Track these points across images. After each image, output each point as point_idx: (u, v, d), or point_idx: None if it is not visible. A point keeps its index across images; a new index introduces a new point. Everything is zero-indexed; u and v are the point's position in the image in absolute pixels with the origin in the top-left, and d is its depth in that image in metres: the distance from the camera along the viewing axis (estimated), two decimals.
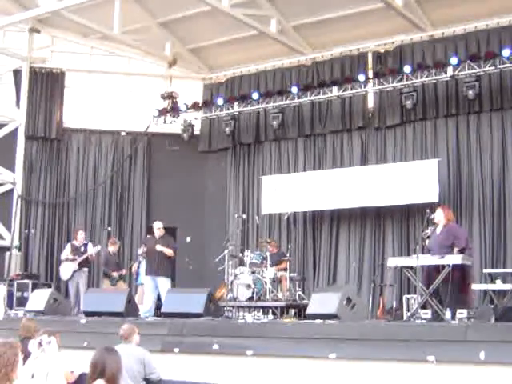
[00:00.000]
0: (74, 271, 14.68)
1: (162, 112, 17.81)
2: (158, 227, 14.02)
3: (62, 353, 7.19)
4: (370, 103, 16.37)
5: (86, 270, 14.82)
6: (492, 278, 12.83)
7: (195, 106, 17.57)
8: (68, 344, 8.14)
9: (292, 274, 14.63)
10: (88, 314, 12.02)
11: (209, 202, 18.61)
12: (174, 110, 17.72)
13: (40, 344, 6.40)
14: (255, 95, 16.81)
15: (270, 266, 14.03)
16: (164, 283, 13.58)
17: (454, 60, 14.26)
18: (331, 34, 16.53)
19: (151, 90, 18.64)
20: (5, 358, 4.43)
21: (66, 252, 14.95)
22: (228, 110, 17.42)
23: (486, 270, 13.38)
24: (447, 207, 12.10)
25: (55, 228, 18.15)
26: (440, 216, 11.03)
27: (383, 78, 15.36)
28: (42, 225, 18.08)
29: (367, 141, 16.44)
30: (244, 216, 16.62)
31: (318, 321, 9.78)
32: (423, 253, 10.74)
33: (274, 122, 16.73)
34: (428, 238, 11.02)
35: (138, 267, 14.45)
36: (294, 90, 16.29)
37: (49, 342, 6.67)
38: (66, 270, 14.91)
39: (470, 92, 14.23)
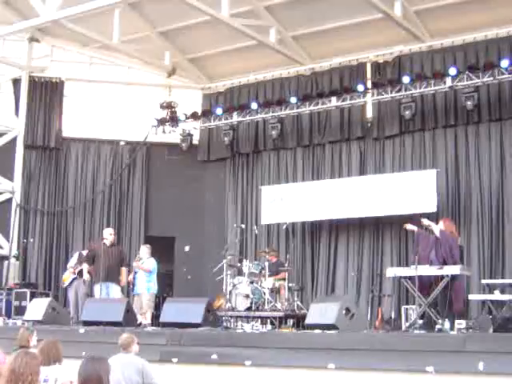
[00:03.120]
0: (74, 279, 14.72)
1: (161, 121, 17.83)
2: (110, 233, 14.23)
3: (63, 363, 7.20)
4: (369, 113, 16.37)
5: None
6: (490, 289, 12.83)
7: (194, 116, 17.59)
8: (66, 353, 8.12)
9: (290, 284, 14.62)
10: (87, 323, 12.01)
11: (207, 212, 18.60)
12: (173, 120, 17.74)
13: (45, 381, 6.40)
14: (254, 105, 16.82)
15: (269, 275, 14.04)
16: (116, 290, 13.75)
17: (452, 71, 14.28)
18: (330, 45, 16.56)
19: (150, 100, 18.63)
20: (30, 368, 4.58)
21: (73, 261, 15.02)
22: (227, 119, 17.43)
23: (484, 281, 13.39)
24: (449, 219, 12.16)
25: (54, 237, 18.12)
26: (440, 227, 11.09)
27: (382, 88, 15.38)
28: (40, 234, 18.05)
29: (366, 151, 16.45)
30: (243, 226, 16.62)
31: (317, 331, 9.79)
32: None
33: (273, 132, 16.74)
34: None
35: (134, 278, 14.45)
36: (293, 100, 16.31)
37: (55, 379, 6.70)
38: (65, 276, 14.98)
39: (469, 103, 14.25)
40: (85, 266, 14.24)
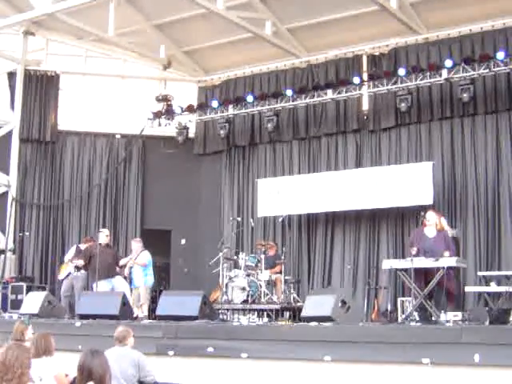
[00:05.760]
0: (70, 272, 14.71)
1: (157, 114, 17.81)
2: (106, 234, 14.51)
3: (56, 356, 7.19)
4: (365, 106, 16.37)
5: (83, 272, 14.78)
6: (486, 281, 12.86)
7: (190, 109, 17.56)
8: (62, 347, 8.13)
9: (287, 277, 14.64)
10: (83, 316, 12.00)
11: (204, 205, 18.59)
12: (169, 113, 17.72)
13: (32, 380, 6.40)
14: (250, 98, 16.80)
15: (265, 268, 14.04)
16: (120, 282, 13.98)
17: (448, 63, 14.28)
18: (326, 37, 16.54)
19: (146, 93, 18.63)
20: (20, 360, 4.63)
21: (70, 254, 15.02)
22: (223, 112, 17.40)
23: (480, 273, 13.41)
24: (435, 210, 12.16)
25: (50, 230, 18.11)
26: (434, 218, 11.10)
27: (378, 80, 15.36)
28: (36, 227, 18.03)
29: (362, 143, 16.45)
30: (239, 219, 16.62)
31: (313, 323, 9.78)
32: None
33: (269, 125, 16.71)
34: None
35: (130, 272, 14.45)
36: (289, 92, 16.28)
37: (40, 378, 6.69)
38: (62, 269, 15.00)
39: (465, 95, 14.23)
40: (80, 262, 14.28)
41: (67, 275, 14.78)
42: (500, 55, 13.70)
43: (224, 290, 13.99)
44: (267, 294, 13.80)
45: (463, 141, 15.15)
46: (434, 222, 11.12)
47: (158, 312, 11.60)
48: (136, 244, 14.59)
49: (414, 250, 10.63)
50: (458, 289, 12.43)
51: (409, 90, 14.99)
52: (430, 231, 11.06)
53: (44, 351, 7.05)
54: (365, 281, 15.45)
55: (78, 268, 14.59)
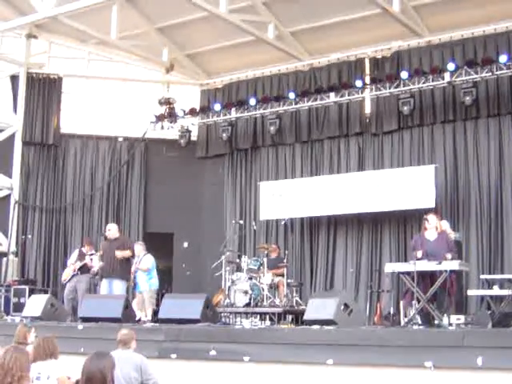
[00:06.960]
0: (73, 275, 14.70)
1: (160, 118, 17.81)
2: (108, 228, 14.41)
3: (59, 359, 7.19)
4: (367, 109, 16.35)
5: (87, 275, 14.74)
6: (489, 284, 12.83)
7: (192, 112, 17.57)
8: (65, 350, 8.12)
9: (289, 280, 14.62)
10: (85, 319, 11.99)
11: (206, 208, 18.59)
12: (172, 116, 17.73)
13: (38, 378, 6.42)
14: (252, 101, 16.80)
15: (267, 271, 14.02)
16: (118, 286, 13.74)
17: (451, 66, 14.28)
18: (328, 40, 16.54)
19: (148, 96, 18.62)
20: (19, 363, 4.66)
21: (73, 257, 15.01)
22: (225, 115, 17.42)
23: (483, 276, 13.38)
24: (435, 213, 12.18)
25: (52, 233, 18.13)
26: (435, 221, 11.12)
27: (380, 83, 15.37)
28: (39, 230, 18.05)
29: (364, 147, 16.43)
30: (241, 222, 16.62)
31: (315, 327, 9.77)
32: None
33: (272, 128, 16.74)
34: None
35: (135, 277, 14.42)
36: (292, 95, 16.29)
37: (47, 376, 6.70)
38: (66, 273, 15.00)
39: (467, 98, 14.23)
40: (100, 264, 14.23)
41: (71, 277, 14.77)
42: (502, 58, 13.71)
43: (226, 293, 13.97)
44: (270, 298, 13.78)
45: (466, 144, 15.14)
46: (434, 225, 11.14)
47: (161, 315, 11.59)
48: (139, 247, 14.57)
49: (419, 253, 10.65)
50: (461, 292, 12.41)
51: (411, 93, 14.99)
52: (430, 234, 11.08)
53: (51, 354, 7.06)
54: (367, 284, 15.44)
55: (81, 271, 14.59)
